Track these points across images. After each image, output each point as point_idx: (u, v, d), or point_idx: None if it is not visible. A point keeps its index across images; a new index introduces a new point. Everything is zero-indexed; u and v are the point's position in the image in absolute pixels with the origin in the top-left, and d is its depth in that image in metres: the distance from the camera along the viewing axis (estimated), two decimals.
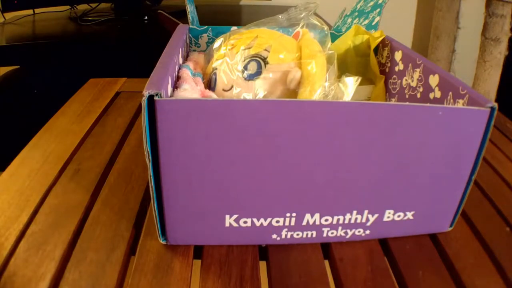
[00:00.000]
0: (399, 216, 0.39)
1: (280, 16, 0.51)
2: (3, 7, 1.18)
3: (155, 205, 0.35)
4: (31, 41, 1.10)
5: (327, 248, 0.39)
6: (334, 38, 0.56)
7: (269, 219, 0.37)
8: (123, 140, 0.56)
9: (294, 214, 0.37)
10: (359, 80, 0.42)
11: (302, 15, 0.49)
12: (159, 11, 0.86)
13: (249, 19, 0.55)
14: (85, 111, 0.63)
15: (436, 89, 0.42)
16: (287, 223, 0.37)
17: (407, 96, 0.48)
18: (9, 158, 0.51)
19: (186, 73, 0.44)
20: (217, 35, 0.55)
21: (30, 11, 1.31)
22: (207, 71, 0.47)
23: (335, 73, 0.43)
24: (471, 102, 0.35)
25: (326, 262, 0.38)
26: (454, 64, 1.43)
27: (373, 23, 0.56)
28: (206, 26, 0.56)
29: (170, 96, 0.38)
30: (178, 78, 0.43)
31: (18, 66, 1.21)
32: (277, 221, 0.37)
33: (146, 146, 0.32)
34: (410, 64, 0.48)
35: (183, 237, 0.38)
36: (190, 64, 0.48)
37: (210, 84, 0.45)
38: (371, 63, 0.54)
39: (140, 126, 0.59)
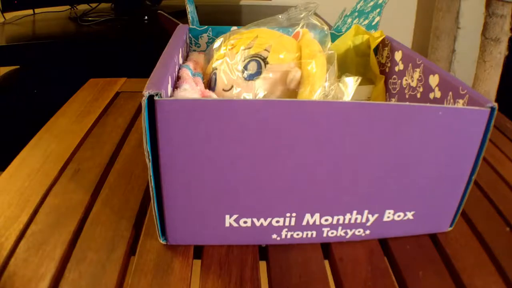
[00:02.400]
0: (399, 216, 0.39)
1: (280, 16, 0.51)
2: (3, 7, 1.18)
3: (155, 205, 0.35)
4: (31, 41, 1.10)
5: (327, 248, 0.39)
6: (334, 38, 0.56)
7: (269, 219, 0.37)
8: (123, 140, 0.56)
9: (294, 214, 0.37)
10: (359, 80, 0.42)
11: (302, 15, 0.49)
12: (159, 11, 0.86)
13: (249, 19, 0.55)
14: (85, 111, 0.63)
15: (436, 89, 0.42)
16: (287, 223, 0.37)
17: (407, 96, 0.48)
18: (9, 158, 0.51)
19: (186, 73, 0.44)
20: (217, 35, 0.55)
21: (30, 11, 1.31)
22: (207, 71, 0.47)
23: (335, 73, 0.43)
24: (471, 102, 0.35)
25: (326, 262, 0.38)
26: (454, 64, 1.43)
27: (373, 23, 0.56)
28: (206, 26, 0.56)
29: (170, 96, 0.38)
30: (178, 78, 0.43)
31: (18, 66, 1.21)
32: (277, 221, 0.37)
33: (146, 146, 0.32)
34: (410, 64, 0.48)
35: (183, 237, 0.38)
36: (190, 64, 0.48)
37: (210, 84, 0.45)
38: (371, 63, 0.54)
39: (140, 126, 0.59)
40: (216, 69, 0.45)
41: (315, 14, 0.63)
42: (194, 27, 0.56)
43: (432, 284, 0.35)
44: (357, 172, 0.35)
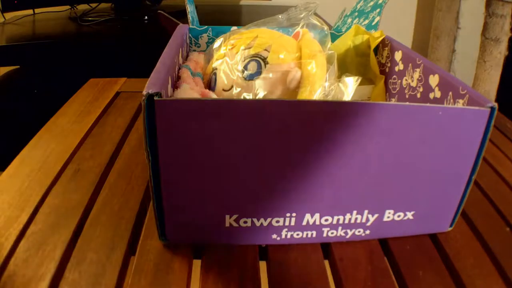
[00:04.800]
0: (399, 216, 0.39)
1: (280, 16, 0.51)
2: (3, 7, 1.18)
3: (155, 205, 0.35)
4: (31, 41, 1.10)
5: (327, 248, 0.39)
6: (334, 38, 0.56)
7: (269, 219, 0.37)
8: (123, 140, 0.56)
9: (294, 214, 0.37)
10: (359, 80, 0.42)
11: (302, 15, 0.49)
12: (159, 11, 0.86)
13: (249, 19, 0.55)
14: (85, 111, 0.63)
15: (436, 89, 0.42)
16: (287, 223, 0.37)
17: (407, 96, 0.48)
18: (9, 158, 0.51)
19: (186, 73, 0.44)
20: (217, 35, 0.55)
21: (30, 11, 1.31)
22: (207, 71, 0.47)
23: (335, 73, 0.43)
24: (471, 102, 0.35)
25: (326, 262, 0.38)
26: (454, 64, 1.43)
27: (373, 23, 0.56)
28: (206, 26, 0.56)
29: (170, 96, 0.38)
30: (178, 78, 0.43)
31: (18, 66, 1.21)
32: (277, 221, 0.37)
33: (146, 146, 0.32)
34: (410, 64, 0.48)
35: (183, 237, 0.38)
36: (190, 64, 0.48)
37: (210, 84, 0.45)
38: (371, 63, 0.54)
39: (140, 126, 0.59)
40: (216, 69, 0.45)
41: (315, 14, 0.63)
42: (194, 27, 0.56)
43: (432, 284, 0.35)
44: (357, 172, 0.35)
